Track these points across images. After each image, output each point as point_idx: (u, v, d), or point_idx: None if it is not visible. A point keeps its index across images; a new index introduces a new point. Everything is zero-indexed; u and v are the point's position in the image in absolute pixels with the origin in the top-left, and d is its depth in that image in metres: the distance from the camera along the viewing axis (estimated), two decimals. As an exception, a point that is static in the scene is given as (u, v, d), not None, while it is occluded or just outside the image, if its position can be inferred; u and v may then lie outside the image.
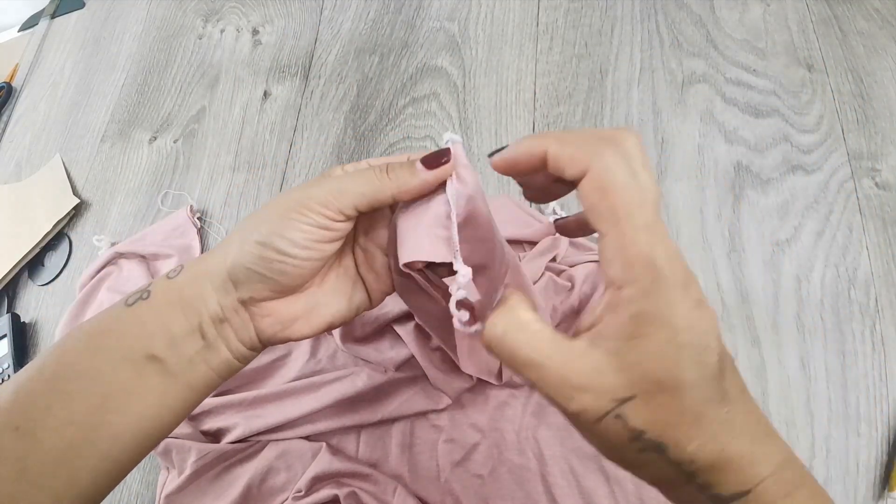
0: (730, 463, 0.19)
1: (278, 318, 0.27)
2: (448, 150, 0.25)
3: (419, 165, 0.25)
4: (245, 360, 0.28)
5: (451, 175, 0.25)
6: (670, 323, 0.18)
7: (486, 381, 0.43)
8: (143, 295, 0.25)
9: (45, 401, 0.23)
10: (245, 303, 0.26)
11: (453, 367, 0.42)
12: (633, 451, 0.19)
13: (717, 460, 0.18)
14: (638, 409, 0.18)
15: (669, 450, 0.18)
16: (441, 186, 0.25)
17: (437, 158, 0.25)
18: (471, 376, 0.42)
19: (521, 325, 0.20)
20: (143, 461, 0.51)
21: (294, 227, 0.25)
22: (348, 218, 0.26)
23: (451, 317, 0.23)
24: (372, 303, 0.30)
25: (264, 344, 0.28)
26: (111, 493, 0.50)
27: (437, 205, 0.25)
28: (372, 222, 0.29)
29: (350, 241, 0.30)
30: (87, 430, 0.23)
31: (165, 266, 0.57)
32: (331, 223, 0.25)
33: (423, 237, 0.25)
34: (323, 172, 0.27)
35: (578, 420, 0.19)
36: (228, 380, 0.48)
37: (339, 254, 0.29)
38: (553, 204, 0.48)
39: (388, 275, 0.29)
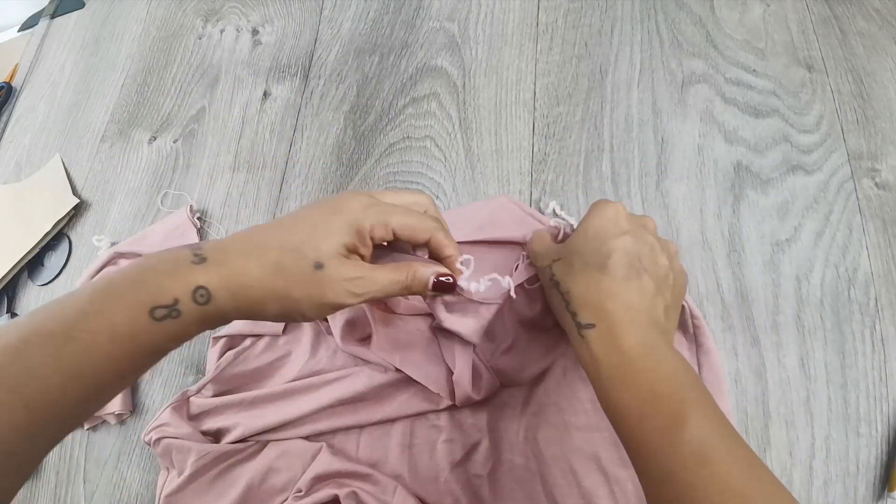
0: (590, 301, 0.31)
1: None
2: (454, 285, 0.34)
3: (431, 284, 0.33)
4: None
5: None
6: (588, 219, 0.35)
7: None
8: (173, 314, 0.27)
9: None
10: None
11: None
12: (550, 286, 0.35)
13: (583, 295, 0.32)
14: (558, 264, 0.35)
15: (560, 284, 0.33)
16: None
17: (442, 289, 0.34)
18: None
19: (540, 237, 0.41)
20: (142, 461, 0.51)
21: (325, 314, 0.32)
22: None
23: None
24: None
25: None
26: (110, 493, 0.51)
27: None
28: None
29: None
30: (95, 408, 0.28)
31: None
32: None
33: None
34: (355, 224, 0.31)
35: (539, 270, 0.38)
36: (228, 380, 0.48)
37: None
38: (553, 203, 0.48)
39: None
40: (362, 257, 0.32)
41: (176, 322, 0.27)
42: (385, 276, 0.31)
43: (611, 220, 0.33)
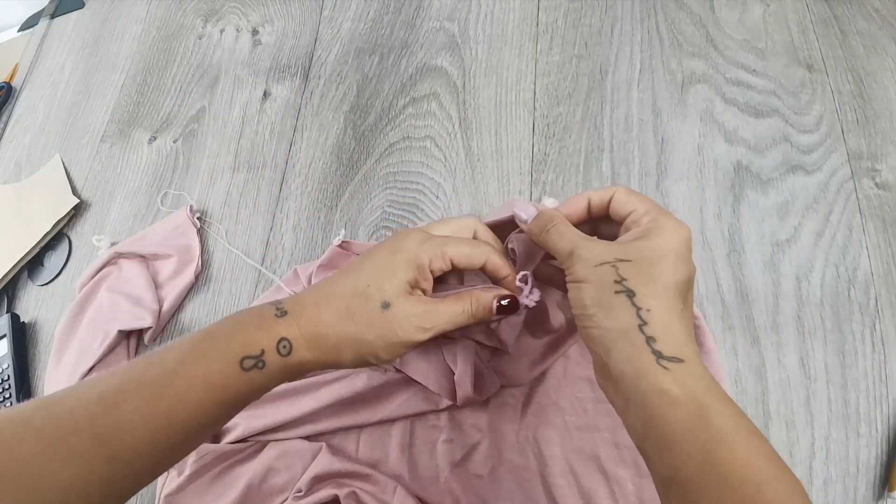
0: (673, 332, 0.26)
1: None
2: (518, 303, 0.33)
3: (494, 308, 0.33)
4: None
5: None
6: (668, 234, 0.28)
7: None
8: (259, 365, 0.28)
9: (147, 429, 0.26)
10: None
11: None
12: (611, 292, 0.27)
13: (667, 322, 0.26)
14: (628, 267, 0.27)
15: (636, 297, 0.26)
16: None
17: (507, 311, 0.33)
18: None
19: (565, 223, 0.31)
20: (142, 461, 0.51)
21: (398, 354, 0.32)
22: None
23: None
24: None
25: None
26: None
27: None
28: None
29: None
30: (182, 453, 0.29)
31: (165, 266, 0.57)
32: None
33: None
34: (414, 260, 0.32)
35: (584, 263, 0.28)
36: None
37: None
38: (549, 200, 0.48)
39: None
40: (424, 292, 0.33)
41: (261, 373, 0.28)
42: (449, 308, 0.32)
43: (688, 245, 0.30)
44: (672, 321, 0.26)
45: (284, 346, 0.29)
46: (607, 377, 0.27)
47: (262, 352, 0.29)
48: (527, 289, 0.33)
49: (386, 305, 0.30)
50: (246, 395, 0.29)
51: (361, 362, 0.31)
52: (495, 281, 0.34)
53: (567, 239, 0.30)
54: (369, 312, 0.30)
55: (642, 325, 0.26)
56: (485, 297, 0.33)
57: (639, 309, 0.26)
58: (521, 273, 0.33)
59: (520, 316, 0.38)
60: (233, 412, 0.29)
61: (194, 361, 0.27)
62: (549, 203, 0.46)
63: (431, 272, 0.32)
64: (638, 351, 0.25)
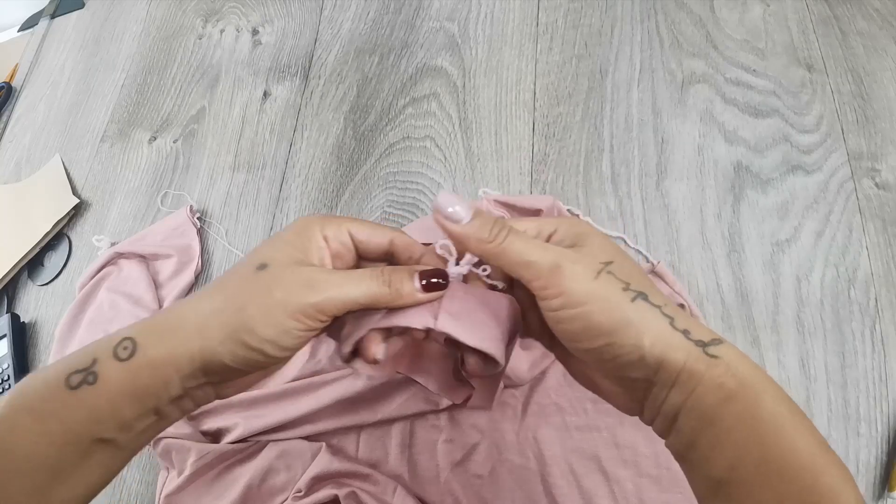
0: (688, 317, 0.23)
1: (242, 384, 0.27)
2: (446, 274, 0.27)
3: (417, 284, 0.25)
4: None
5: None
6: (602, 236, 0.25)
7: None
8: (89, 378, 0.23)
9: None
10: (213, 384, 0.25)
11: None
12: (628, 301, 0.22)
13: (677, 309, 0.23)
14: (618, 267, 0.23)
15: (649, 296, 0.23)
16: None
17: (436, 287, 0.26)
18: (469, 384, 0.42)
19: (524, 236, 0.25)
20: (142, 461, 0.51)
21: (288, 333, 0.24)
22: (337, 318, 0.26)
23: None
24: None
25: (221, 399, 0.27)
26: (109, 492, 0.51)
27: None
28: None
29: None
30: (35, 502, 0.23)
31: (165, 266, 0.57)
32: (322, 325, 0.25)
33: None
34: (304, 228, 0.26)
35: (579, 278, 0.23)
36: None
37: None
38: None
39: None
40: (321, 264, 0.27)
41: (93, 390, 0.22)
42: (352, 272, 0.25)
43: None
44: (676, 306, 0.23)
45: (125, 348, 0.23)
46: (643, 398, 0.24)
47: (94, 361, 0.23)
48: (452, 258, 0.28)
49: (262, 267, 0.24)
50: (85, 428, 0.23)
51: (238, 345, 0.23)
52: (411, 263, 0.28)
53: (541, 249, 0.24)
54: (241, 277, 0.25)
55: (672, 321, 0.22)
56: (400, 268, 0.26)
57: (659, 307, 0.23)
58: (440, 242, 0.28)
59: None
60: (87, 463, 0.23)
61: (20, 384, 0.23)
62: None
63: (326, 241, 0.26)
64: (685, 352, 0.22)
